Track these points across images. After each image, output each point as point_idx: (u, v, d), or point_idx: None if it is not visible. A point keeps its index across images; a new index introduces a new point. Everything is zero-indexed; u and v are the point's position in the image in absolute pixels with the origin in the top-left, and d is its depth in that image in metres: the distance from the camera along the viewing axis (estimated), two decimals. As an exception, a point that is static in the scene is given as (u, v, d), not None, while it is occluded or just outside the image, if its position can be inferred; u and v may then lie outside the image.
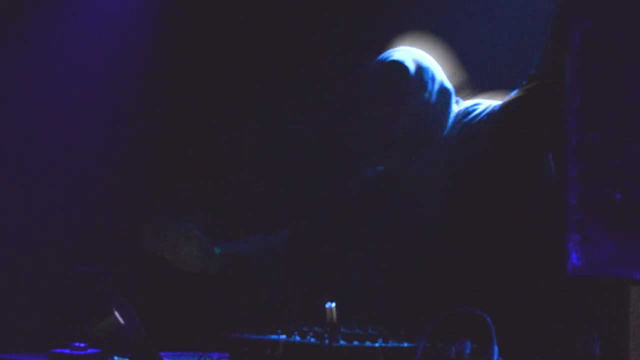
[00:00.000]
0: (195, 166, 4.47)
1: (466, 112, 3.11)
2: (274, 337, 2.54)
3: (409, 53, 3.12)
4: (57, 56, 4.39)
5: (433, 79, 3.09)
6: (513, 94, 2.98)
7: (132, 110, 4.48)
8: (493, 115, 3.03)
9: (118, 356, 2.84)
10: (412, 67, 3.07)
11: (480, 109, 3.10)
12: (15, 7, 4.32)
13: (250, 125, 4.37)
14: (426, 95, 3.07)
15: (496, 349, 2.18)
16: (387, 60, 3.10)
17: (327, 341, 2.40)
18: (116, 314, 2.89)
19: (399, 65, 3.08)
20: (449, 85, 3.13)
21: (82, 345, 3.04)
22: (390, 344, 2.37)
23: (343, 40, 4.09)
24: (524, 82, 2.93)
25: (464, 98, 3.19)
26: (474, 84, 3.22)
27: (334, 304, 2.66)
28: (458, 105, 3.16)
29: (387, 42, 3.21)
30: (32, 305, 4.21)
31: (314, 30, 4.25)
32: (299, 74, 4.25)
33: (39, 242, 4.32)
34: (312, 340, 2.45)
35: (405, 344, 2.35)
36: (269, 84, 4.34)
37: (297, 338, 2.49)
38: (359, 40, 3.80)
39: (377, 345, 2.35)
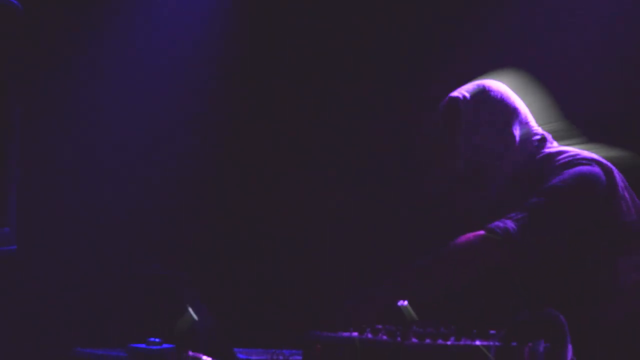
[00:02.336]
0: (270, 167, 4.50)
1: (550, 157, 3.06)
2: (346, 334, 2.53)
3: (481, 90, 3.08)
4: (134, 58, 4.45)
5: (492, 119, 3.05)
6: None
7: (206, 112, 4.52)
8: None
9: (192, 351, 2.87)
10: (467, 106, 3.04)
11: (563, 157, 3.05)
12: (92, 11, 4.39)
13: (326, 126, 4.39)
14: (478, 135, 3.04)
15: (570, 348, 2.15)
16: (449, 95, 3.08)
17: (399, 339, 2.39)
18: (190, 310, 2.92)
19: (452, 101, 3.06)
20: (517, 128, 3.08)
21: (157, 340, 3.08)
22: (462, 342, 2.35)
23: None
24: None
25: (561, 143, 3.14)
26: (574, 133, 3.20)
27: (406, 302, 2.65)
28: (549, 149, 3.10)
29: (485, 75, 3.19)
30: (110, 303, 4.27)
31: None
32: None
33: (117, 240, 4.38)
34: (385, 337, 2.44)
35: (478, 343, 2.33)
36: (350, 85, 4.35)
37: (370, 335, 2.48)
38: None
39: (449, 343, 2.33)
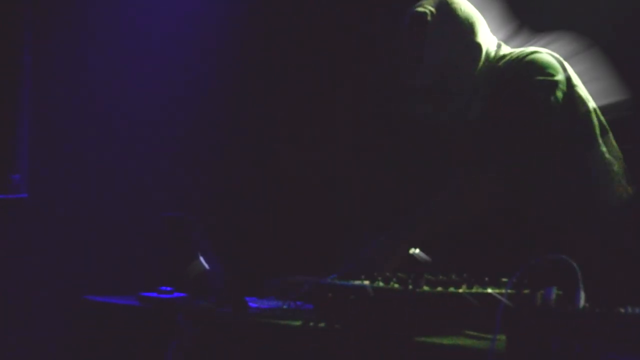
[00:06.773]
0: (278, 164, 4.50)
1: (501, 57, 3.06)
2: (358, 283, 2.53)
3: (445, 4, 3.07)
4: (140, 55, 4.44)
5: (458, 32, 3.03)
6: None
7: (211, 109, 4.52)
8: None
9: (204, 300, 2.88)
10: (434, 20, 3.03)
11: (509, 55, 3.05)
12: (98, 7, 4.39)
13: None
14: (445, 48, 3.02)
15: (582, 295, 2.14)
16: (412, 10, 3.07)
17: (411, 287, 2.39)
18: (201, 258, 2.93)
19: (419, 16, 3.05)
20: (482, 39, 3.06)
21: (168, 289, 3.09)
22: (474, 290, 2.35)
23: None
24: None
25: (515, 45, 3.14)
26: (526, 29, 3.17)
27: (417, 250, 2.65)
28: (500, 50, 3.10)
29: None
30: (121, 250, 4.28)
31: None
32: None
33: (128, 188, 4.39)
34: (396, 285, 2.44)
35: (490, 290, 2.33)
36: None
37: (381, 284, 2.49)
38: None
39: (460, 291, 2.33)
